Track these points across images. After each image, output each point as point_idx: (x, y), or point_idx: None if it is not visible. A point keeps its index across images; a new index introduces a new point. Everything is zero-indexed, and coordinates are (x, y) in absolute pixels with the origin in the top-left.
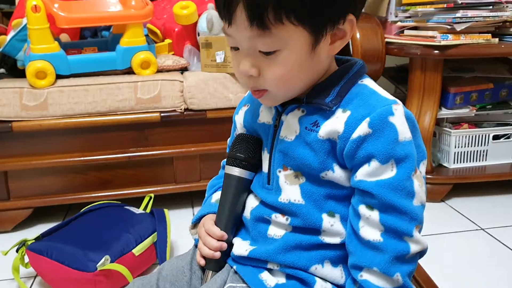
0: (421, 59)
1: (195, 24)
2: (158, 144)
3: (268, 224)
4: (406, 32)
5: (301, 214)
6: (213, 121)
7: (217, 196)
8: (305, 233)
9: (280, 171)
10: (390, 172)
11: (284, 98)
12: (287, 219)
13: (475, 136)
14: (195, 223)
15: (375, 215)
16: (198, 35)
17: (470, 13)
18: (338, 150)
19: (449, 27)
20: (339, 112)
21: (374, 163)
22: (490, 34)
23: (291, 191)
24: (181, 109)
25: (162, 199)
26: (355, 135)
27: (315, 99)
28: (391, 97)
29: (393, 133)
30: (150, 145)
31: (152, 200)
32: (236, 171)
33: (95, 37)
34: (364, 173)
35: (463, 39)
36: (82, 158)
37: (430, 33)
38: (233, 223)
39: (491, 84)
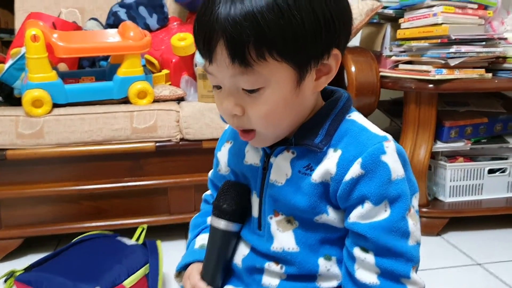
0: (415, 93)
1: (193, 55)
2: (153, 174)
3: (261, 274)
4: (401, 66)
5: (296, 262)
6: (208, 151)
7: (201, 240)
8: (301, 280)
9: (271, 217)
10: (384, 213)
11: (274, 138)
12: (281, 268)
13: (471, 170)
14: (180, 271)
15: (370, 257)
16: (195, 66)
17: (463, 48)
18: (331, 192)
19: (443, 61)
20: (330, 152)
21: (367, 205)
22: (483, 69)
23: (284, 238)
24: (176, 139)
25: (156, 230)
26: (347, 177)
27: (303, 140)
28: (381, 133)
29: (386, 173)
30: (145, 174)
31: (144, 231)
32: (222, 224)
33: (93, 67)
34: (357, 215)
35: (457, 74)
36: (76, 187)
37: (424, 67)
38: (221, 273)
39: (485, 118)
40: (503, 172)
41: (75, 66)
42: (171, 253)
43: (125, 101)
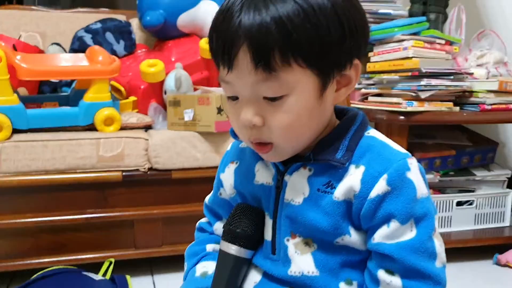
0: (386, 125)
1: (162, 82)
2: (118, 206)
3: None
4: (370, 98)
5: (316, 287)
6: (178, 182)
7: (203, 268)
8: None
9: (288, 240)
10: (410, 233)
11: (292, 152)
12: None
13: (440, 202)
14: None
15: (396, 280)
16: (165, 93)
17: (433, 81)
18: (354, 210)
19: (414, 94)
20: (352, 168)
21: (393, 224)
22: (451, 103)
23: (303, 261)
24: (144, 169)
25: (120, 265)
26: (373, 194)
27: (323, 156)
28: (403, 150)
29: (412, 191)
30: (110, 206)
31: (112, 265)
32: (233, 250)
33: (54, 93)
34: (383, 235)
35: (427, 106)
36: (34, 219)
37: (395, 99)
38: None
39: (453, 151)
40: (471, 204)
41: (35, 92)
42: None
43: (90, 128)
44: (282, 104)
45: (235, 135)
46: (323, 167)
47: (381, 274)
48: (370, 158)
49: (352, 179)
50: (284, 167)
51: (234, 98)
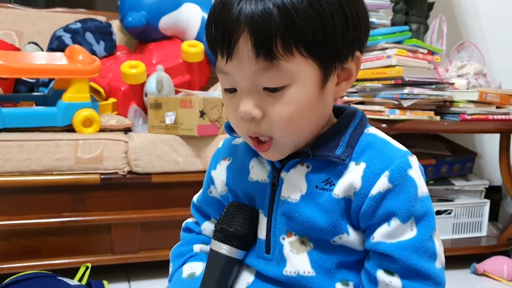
0: None
1: (143, 84)
2: (96, 209)
3: None
4: (353, 106)
5: (312, 287)
6: (158, 186)
7: (190, 269)
8: None
9: (284, 238)
10: (410, 232)
11: (292, 147)
12: None
13: None
14: None
15: (396, 281)
16: (145, 95)
17: (416, 90)
18: (354, 208)
19: (396, 102)
20: (352, 165)
21: (394, 222)
22: (433, 112)
23: (298, 261)
24: (123, 172)
25: (96, 271)
26: (374, 191)
27: (322, 152)
28: (404, 148)
29: (413, 189)
30: (87, 210)
31: (88, 270)
32: (225, 250)
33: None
34: (383, 234)
35: (409, 115)
36: (7, 222)
37: (377, 107)
38: None
39: (433, 160)
40: (449, 213)
41: (10, 91)
42: None
43: (69, 129)
44: (282, 95)
45: (230, 130)
46: (322, 163)
47: (380, 274)
48: (371, 155)
49: (353, 176)
50: (281, 164)
51: (232, 91)
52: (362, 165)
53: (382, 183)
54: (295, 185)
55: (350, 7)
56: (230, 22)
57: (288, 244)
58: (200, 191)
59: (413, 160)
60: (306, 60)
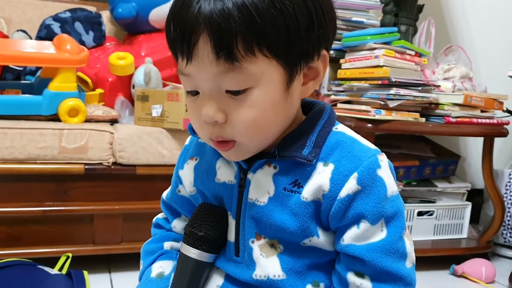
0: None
1: (130, 76)
2: (78, 200)
3: None
4: (339, 105)
5: None
6: (142, 178)
7: (159, 268)
8: None
9: (253, 241)
10: (380, 234)
11: (256, 150)
12: None
13: None
14: None
15: (366, 283)
16: (133, 87)
17: (402, 91)
18: (323, 210)
19: (382, 103)
20: (320, 166)
21: (363, 225)
22: (418, 113)
23: (268, 264)
24: (108, 162)
25: (77, 261)
26: (343, 193)
27: (289, 152)
28: (373, 146)
29: (382, 189)
30: (69, 199)
31: (69, 260)
32: (194, 254)
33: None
34: (352, 236)
35: (394, 116)
36: None
37: (363, 107)
38: None
39: (416, 161)
40: (431, 215)
41: None
42: (93, 287)
43: (54, 118)
44: (246, 98)
45: (193, 132)
46: (289, 164)
47: (351, 276)
48: (339, 156)
49: (321, 177)
50: (247, 165)
51: (194, 93)
52: (331, 166)
53: (350, 185)
54: (262, 187)
55: (315, 4)
56: (189, 22)
57: (258, 247)
58: (169, 188)
59: (383, 159)
60: (270, 60)
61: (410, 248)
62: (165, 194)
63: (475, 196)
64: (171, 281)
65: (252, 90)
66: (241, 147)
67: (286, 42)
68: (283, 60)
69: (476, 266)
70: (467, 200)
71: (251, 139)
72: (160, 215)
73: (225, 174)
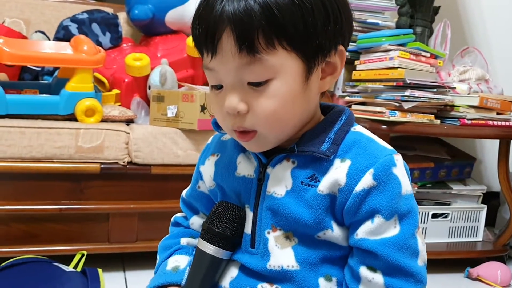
0: None
1: (146, 77)
2: (94, 198)
3: None
4: (354, 106)
5: (296, 281)
6: (157, 178)
7: (174, 262)
8: None
9: (269, 233)
10: (393, 230)
11: (275, 141)
12: None
13: None
14: None
15: (378, 277)
16: (149, 88)
17: (417, 93)
18: (338, 204)
19: (397, 104)
20: (337, 162)
21: (378, 219)
22: (433, 115)
23: (283, 255)
24: (124, 162)
25: (92, 259)
26: (358, 188)
27: (308, 148)
28: (389, 146)
29: (397, 187)
30: (85, 198)
31: (84, 258)
32: (210, 250)
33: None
34: (366, 231)
35: (409, 117)
36: (6, 207)
37: (378, 108)
38: None
39: (431, 163)
40: (446, 217)
41: (16, 79)
42: (107, 285)
43: (71, 118)
44: (266, 89)
45: (217, 127)
46: (307, 159)
47: (363, 270)
48: (356, 153)
49: (338, 172)
50: (267, 159)
51: (218, 87)
52: (347, 162)
53: (366, 180)
54: (280, 181)
55: (331, 1)
56: (213, 19)
57: (273, 238)
58: (189, 186)
59: (398, 158)
60: (289, 53)
61: (422, 247)
62: (184, 192)
63: (491, 199)
64: (185, 275)
65: (273, 81)
66: (261, 138)
67: (304, 36)
68: (301, 53)
69: (491, 269)
70: (483, 202)
71: (271, 129)
72: (178, 214)
73: (245, 168)
